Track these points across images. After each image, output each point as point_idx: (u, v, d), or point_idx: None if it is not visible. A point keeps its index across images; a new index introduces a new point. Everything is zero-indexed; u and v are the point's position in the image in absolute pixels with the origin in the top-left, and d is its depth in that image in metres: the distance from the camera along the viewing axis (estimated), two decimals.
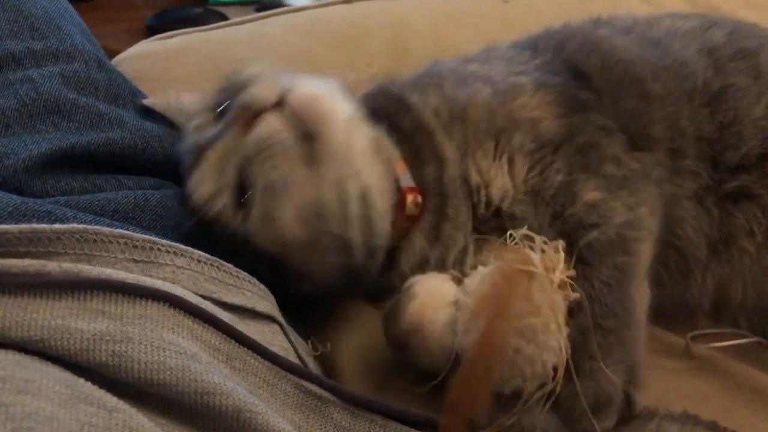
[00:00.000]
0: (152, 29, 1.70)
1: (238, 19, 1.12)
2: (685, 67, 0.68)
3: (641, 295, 0.59)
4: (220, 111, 0.61)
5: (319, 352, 0.61)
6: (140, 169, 0.64)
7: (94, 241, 0.48)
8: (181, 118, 0.68)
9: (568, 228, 0.61)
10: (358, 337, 0.66)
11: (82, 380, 0.40)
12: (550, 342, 0.52)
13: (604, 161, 0.63)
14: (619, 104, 0.66)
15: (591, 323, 0.54)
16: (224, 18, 1.66)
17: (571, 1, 1.03)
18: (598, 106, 0.66)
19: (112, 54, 1.00)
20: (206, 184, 0.58)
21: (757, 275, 0.66)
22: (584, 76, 0.68)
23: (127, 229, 0.51)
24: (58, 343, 0.40)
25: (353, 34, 1.04)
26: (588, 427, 0.52)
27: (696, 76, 0.68)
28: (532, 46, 0.73)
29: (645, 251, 0.61)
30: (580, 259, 0.57)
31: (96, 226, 0.48)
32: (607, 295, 0.56)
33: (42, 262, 0.44)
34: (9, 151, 0.58)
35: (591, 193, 0.61)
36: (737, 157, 0.66)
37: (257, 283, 0.56)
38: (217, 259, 0.53)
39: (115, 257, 0.48)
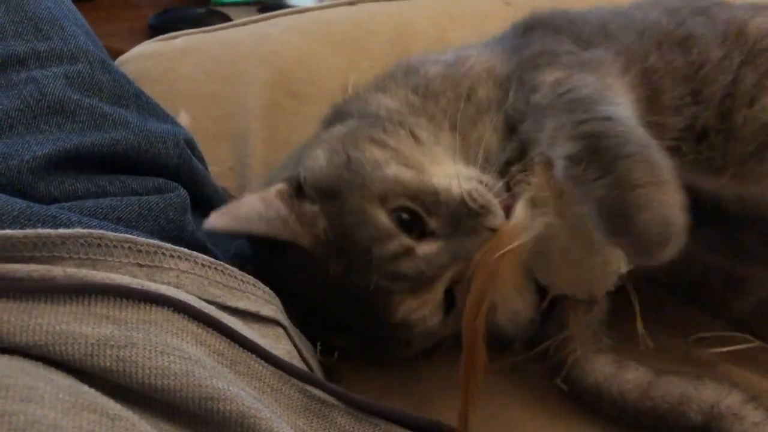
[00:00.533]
0: (155, 29, 1.71)
1: (241, 20, 1.12)
2: (649, 24, 0.70)
3: (642, 130, 0.55)
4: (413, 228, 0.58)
5: (324, 359, 0.61)
6: (144, 170, 0.64)
7: (99, 245, 0.47)
8: (254, 226, 0.59)
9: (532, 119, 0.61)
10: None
11: (85, 387, 0.39)
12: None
13: (559, 54, 0.64)
14: (574, 28, 0.69)
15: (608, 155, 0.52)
16: (227, 18, 1.66)
17: (570, 3, 1.03)
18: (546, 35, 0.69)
19: (115, 53, 1.00)
20: (432, 315, 0.58)
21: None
22: (533, 25, 0.71)
23: (132, 234, 0.51)
24: (62, 348, 0.40)
25: (356, 36, 1.04)
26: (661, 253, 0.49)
27: (660, 27, 0.70)
28: (500, 37, 0.76)
29: (627, 102, 0.60)
30: (561, 125, 0.56)
31: (100, 231, 0.48)
32: (609, 128, 0.53)
33: (47, 267, 0.44)
34: (13, 152, 0.58)
35: (553, 75, 0.62)
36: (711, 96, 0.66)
37: (262, 286, 0.56)
38: (221, 263, 0.53)
39: (120, 261, 0.48)
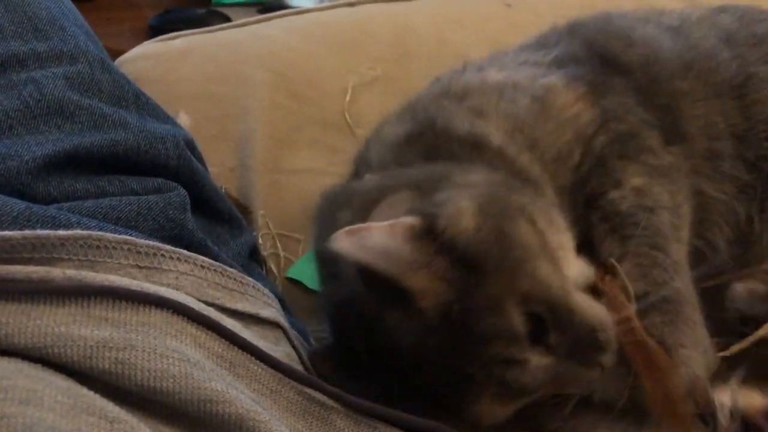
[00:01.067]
0: (155, 29, 1.71)
1: (241, 21, 1.12)
2: (711, 60, 0.68)
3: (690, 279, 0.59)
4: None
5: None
6: (144, 171, 0.64)
7: (98, 246, 0.47)
8: (379, 261, 0.49)
9: (605, 213, 0.60)
10: None
11: (84, 389, 0.39)
12: None
13: (643, 151, 0.63)
14: (654, 100, 0.66)
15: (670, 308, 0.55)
16: (227, 19, 1.66)
17: (573, 5, 1.03)
18: (635, 96, 0.66)
19: (115, 54, 1.00)
20: (502, 418, 0.54)
21: None
22: (624, 69, 0.67)
23: (131, 236, 0.51)
24: (62, 350, 0.40)
25: (356, 37, 1.04)
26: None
27: (721, 69, 0.67)
28: (543, 43, 0.73)
29: (687, 238, 0.62)
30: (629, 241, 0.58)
31: (99, 232, 0.48)
32: (674, 281, 0.56)
33: (46, 268, 0.43)
34: (12, 153, 0.58)
35: (637, 179, 0.61)
36: None
37: (261, 288, 0.56)
38: (221, 264, 0.53)
39: (119, 263, 0.48)
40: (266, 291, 0.56)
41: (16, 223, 0.49)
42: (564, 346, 0.51)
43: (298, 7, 1.21)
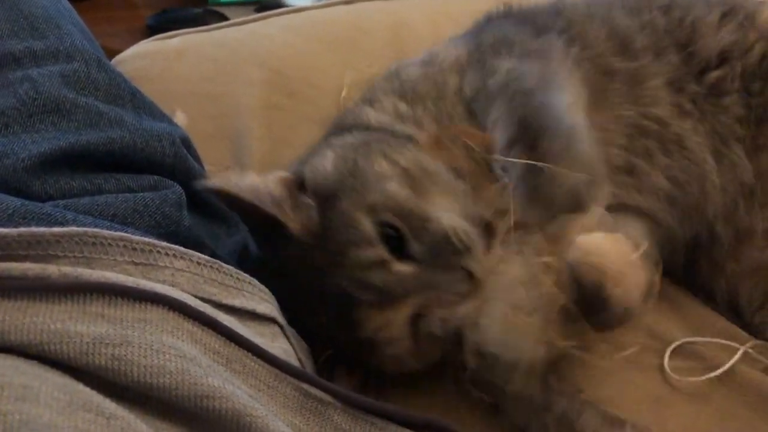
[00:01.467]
0: (152, 29, 1.71)
1: (238, 20, 1.12)
2: None
3: (580, 118, 0.62)
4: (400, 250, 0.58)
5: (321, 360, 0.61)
6: (140, 169, 0.64)
7: (93, 243, 0.47)
8: (244, 193, 0.60)
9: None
10: None
11: (81, 385, 0.39)
12: None
13: (514, 44, 0.69)
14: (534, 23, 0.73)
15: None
16: (224, 18, 1.66)
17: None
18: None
19: (112, 53, 1.00)
20: (398, 338, 0.58)
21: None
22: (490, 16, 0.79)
23: (126, 233, 0.51)
24: (58, 347, 0.40)
25: (353, 35, 1.04)
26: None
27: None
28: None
29: (570, 91, 0.65)
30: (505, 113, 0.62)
31: (95, 229, 0.48)
32: (536, 114, 0.60)
33: (42, 265, 0.43)
34: (8, 151, 0.58)
35: (508, 62, 0.67)
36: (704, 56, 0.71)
37: (257, 284, 0.56)
38: (217, 261, 0.53)
39: (115, 260, 0.48)
40: (262, 287, 0.56)
41: (11, 220, 0.49)
42: (424, 253, 0.57)
43: (294, 5, 1.20)
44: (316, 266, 0.59)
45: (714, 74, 0.70)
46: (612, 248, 0.53)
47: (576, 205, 0.55)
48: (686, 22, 0.72)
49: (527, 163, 0.56)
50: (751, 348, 0.62)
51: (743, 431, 0.59)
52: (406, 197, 0.59)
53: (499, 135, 0.61)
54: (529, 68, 0.66)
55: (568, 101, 0.62)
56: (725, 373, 0.59)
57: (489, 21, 0.78)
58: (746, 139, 0.69)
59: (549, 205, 0.56)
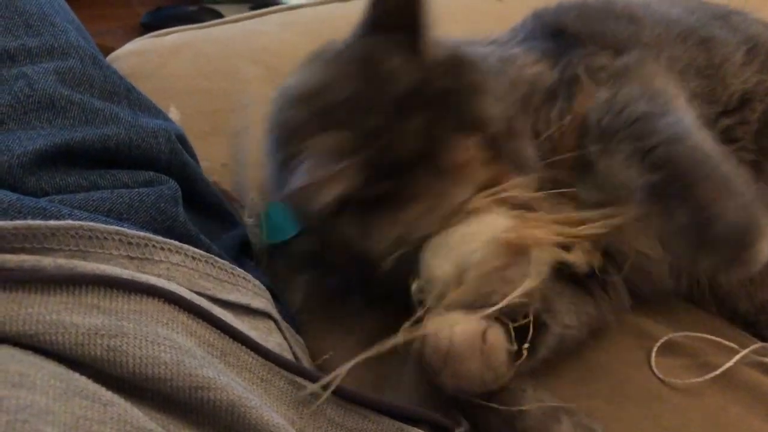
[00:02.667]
0: (147, 26, 1.71)
1: (234, 17, 1.12)
2: (674, 18, 0.71)
3: (707, 136, 0.58)
4: None
5: (320, 361, 0.61)
6: (135, 165, 0.64)
7: (89, 237, 0.48)
8: None
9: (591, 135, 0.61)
10: (353, 339, 0.66)
11: (77, 374, 0.40)
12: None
13: (595, 72, 0.65)
14: (599, 29, 0.69)
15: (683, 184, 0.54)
16: (219, 15, 1.66)
17: None
18: (577, 44, 0.69)
19: (107, 51, 1.00)
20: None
21: None
22: (561, 29, 0.71)
23: (122, 227, 0.51)
24: (53, 337, 0.40)
25: (348, 33, 1.04)
26: (746, 258, 0.50)
27: (685, 22, 0.71)
28: (513, 30, 0.77)
29: (685, 106, 0.61)
30: (633, 151, 0.57)
31: (91, 223, 0.48)
32: (681, 152, 0.55)
33: (37, 257, 0.44)
34: (3, 148, 0.58)
35: (600, 95, 0.62)
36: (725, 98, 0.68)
37: (252, 279, 0.56)
38: (212, 255, 0.53)
39: (110, 254, 0.48)
40: (257, 282, 0.56)
41: (6, 214, 0.49)
42: None
43: (290, 2, 1.21)
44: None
45: (726, 121, 0.68)
46: (463, 338, 0.52)
47: (745, 238, 0.50)
48: (715, 60, 0.70)
49: (683, 212, 0.52)
50: (754, 351, 0.62)
51: (736, 428, 0.59)
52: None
53: (634, 178, 0.56)
54: (630, 91, 0.61)
55: (698, 131, 0.58)
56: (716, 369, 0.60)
57: (551, 33, 0.72)
58: None
59: (714, 248, 0.51)
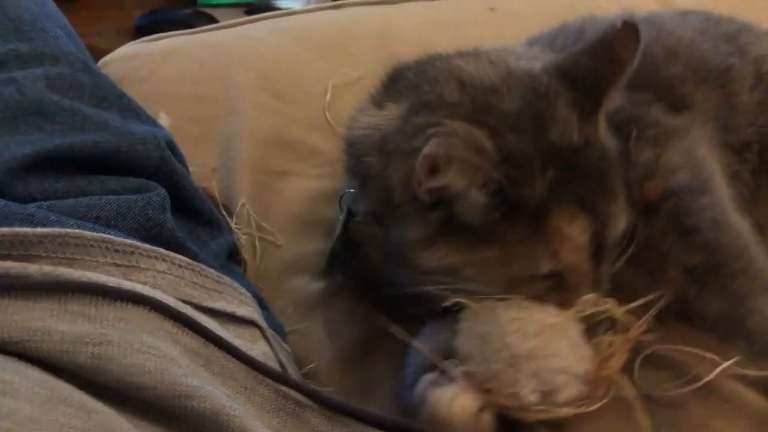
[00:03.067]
0: (141, 29, 1.71)
1: (227, 22, 1.13)
2: (693, 47, 0.69)
3: (743, 225, 0.59)
4: None
5: (306, 370, 0.61)
6: (124, 171, 0.64)
7: (75, 244, 0.48)
8: None
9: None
10: (340, 347, 0.66)
11: (61, 382, 0.40)
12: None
13: (644, 128, 0.63)
14: (650, 81, 0.66)
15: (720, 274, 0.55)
16: (213, 20, 1.66)
17: (556, 9, 1.04)
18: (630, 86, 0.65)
19: (100, 53, 1.00)
20: None
21: None
22: None
23: (109, 234, 0.51)
24: (38, 344, 0.40)
25: (341, 40, 1.05)
26: None
27: (704, 57, 0.69)
28: (551, 43, 0.74)
29: (721, 187, 0.61)
30: (671, 224, 0.58)
31: (77, 230, 0.48)
32: (720, 239, 0.56)
33: (23, 264, 0.44)
34: None
35: (641, 154, 0.61)
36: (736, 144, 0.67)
37: (238, 287, 0.56)
38: (198, 263, 0.53)
39: (96, 261, 0.49)
40: (243, 290, 0.57)
41: None
42: None
43: (284, 8, 1.21)
44: None
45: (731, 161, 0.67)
46: (461, 411, 0.52)
47: None
48: (731, 100, 0.68)
49: (720, 302, 0.55)
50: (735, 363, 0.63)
51: None
52: None
53: (673, 256, 0.57)
54: (674, 156, 0.61)
55: (736, 218, 0.59)
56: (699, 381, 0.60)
57: None
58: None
59: (748, 341, 0.54)
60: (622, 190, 0.55)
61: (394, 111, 0.60)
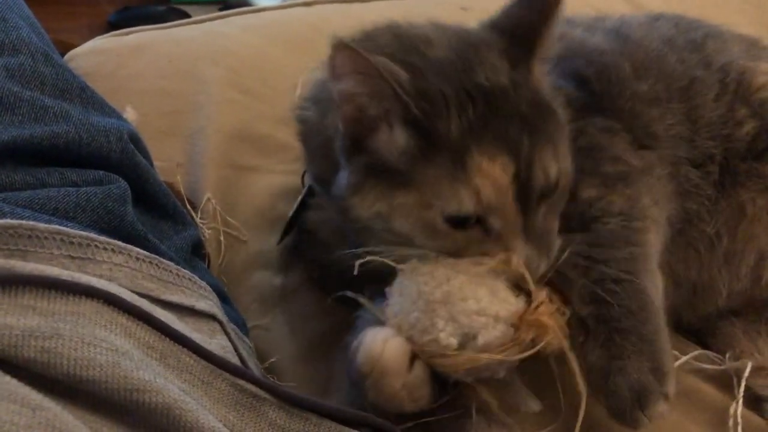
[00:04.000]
0: (114, 25, 1.69)
1: (197, 18, 1.12)
2: (661, 60, 0.70)
3: (656, 285, 0.59)
4: None
5: (267, 364, 0.61)
6: (85, 163, 0.63)
7: (29, 236, 0.47)
8: None
9: (573, 227, 0.60)
10: (302, 341, 0.66)
11: (7, 378, 0.39)
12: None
13: (603, 161, 0.63)
14: (615, 104, 0.67)
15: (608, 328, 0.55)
16: (187, 16, 1.65)
17: None
18: (600, 107, 0.66)
19: (72, 49, 0.99)
20: None
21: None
22: (585, 81, 0.68)
23: (67, 227, 0.50)
24: None
25: (311, 37, 1.04)
26: (636, 417, 0.52)
27: (670, 71, 0.69)
28: None
29: (651, 241, 0.61)
30: (589, 258, 0.58)
31: (31, 222, 0.48)
32: (620, 294, 0.56)
33: None
34: None
35: (587, 191, 0.61)
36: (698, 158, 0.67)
37: (198, 281, 0.56)
38: (156, 256, 0.53)
39: (51, 253, 0.48)
40: (203, 284, 0.56)
41: None
42: None
43: (255, 5, 1.21)
44: None
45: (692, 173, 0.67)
46: (393, 353, 0.52)
47: (639, 400, 0.52)
48: (693, 114, 0.68)
49: (600, 353, 0.55)
50: (693, 358, 0.63)
51: None
52: None
53: (574, 298, 0.57)
54: (612, 203, 0.61)
55: (650, 276, 0.59)
56: None
57: (578, 83, 0.68)
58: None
59: (611, 397, 0.53)
60: (557, 139, 0.55)
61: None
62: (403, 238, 0.55)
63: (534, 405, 0.54)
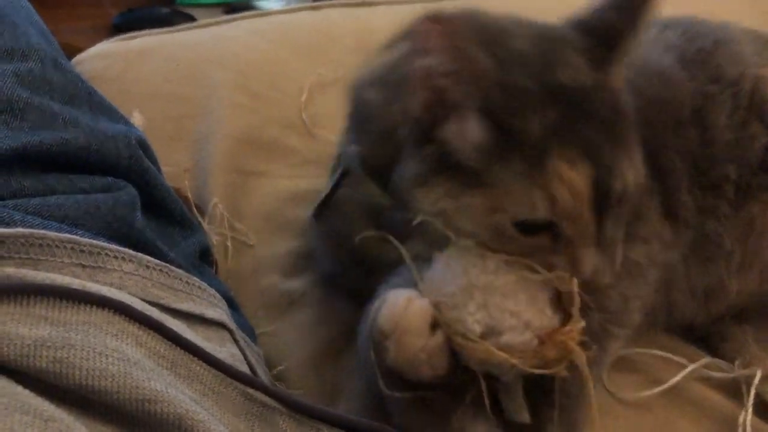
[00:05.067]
0: (118, 28, 1.69)
1: (203, 22, 1.12)
2: (670, 84, 0.67)
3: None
4: None
5: (275, 371, 0.61)
6: (94, 169, 0.63)
7: (40, 245, 0.47)
8: None
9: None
10: (310, 348, 0.66)
11: (20, 388, 0.39)
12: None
13: (640, 220, 0.61)
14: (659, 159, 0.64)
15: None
16: (191, 19, 1.65)
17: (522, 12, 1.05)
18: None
19: (77, 51, 1.00)
20: None
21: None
22: None
23: (76, 234, 0.50)
24: None
25: (319, 41, 1.05)
26: None
27: (682, 94, 0.67)
28: None
29: (616, 348, 0.61)
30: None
31: (42, 231, 0.48)
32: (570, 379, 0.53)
33: None
34: None
35: (592, 258, 0.54)
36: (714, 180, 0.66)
37: (208, 288, 0.56)
38: (167, 264, 0.53)
39: (62, 262, 0.48)
40: (213, 291, 0.56)
41: None
42: None
43: (264, 8, 1.21)
44: None
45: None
46: (411, 314, 0.51)
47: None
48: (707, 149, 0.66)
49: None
50: (694, 364, 0.63)
51: None
52: None
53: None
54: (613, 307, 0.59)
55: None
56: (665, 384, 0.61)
57: None
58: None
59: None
60: (634, 146, 0.52)
61: (405, 47, 0.57)
62: (464, 236, 0.52)
63: (524, 416, 0.54)
